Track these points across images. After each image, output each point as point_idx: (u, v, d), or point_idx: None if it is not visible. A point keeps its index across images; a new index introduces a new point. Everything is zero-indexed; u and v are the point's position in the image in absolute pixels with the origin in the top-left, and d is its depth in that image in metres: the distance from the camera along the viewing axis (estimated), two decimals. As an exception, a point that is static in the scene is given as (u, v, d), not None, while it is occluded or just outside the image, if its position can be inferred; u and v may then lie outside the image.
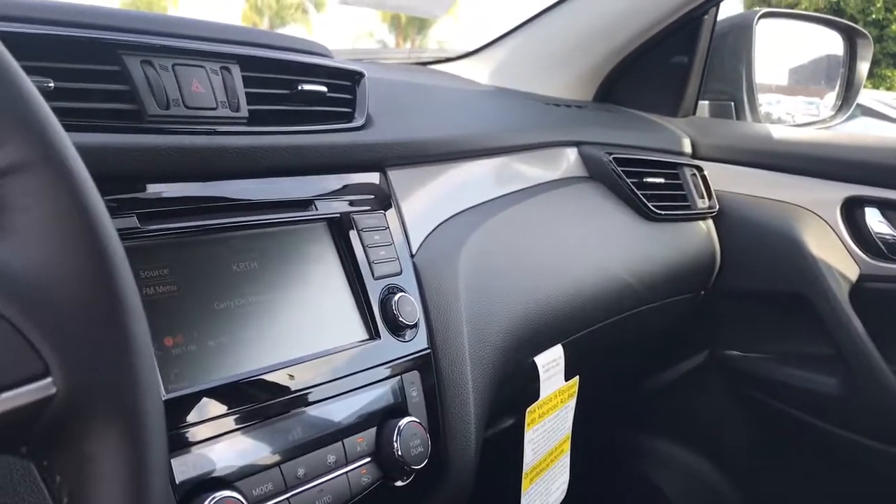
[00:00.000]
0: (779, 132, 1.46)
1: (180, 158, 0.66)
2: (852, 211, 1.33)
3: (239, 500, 0.59)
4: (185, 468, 0.58)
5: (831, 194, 1.34)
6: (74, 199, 0.34)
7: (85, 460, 0.33)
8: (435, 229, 0.92)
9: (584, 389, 1.13)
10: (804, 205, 1.35)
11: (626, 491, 1.52)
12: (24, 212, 0.33)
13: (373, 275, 0.79)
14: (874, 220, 1.32)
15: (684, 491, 1.47)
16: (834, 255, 1.31)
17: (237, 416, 0.63)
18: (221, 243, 0.68)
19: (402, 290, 0.80)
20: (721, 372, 1.44)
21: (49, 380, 0.33)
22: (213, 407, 0.62)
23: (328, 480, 0.68)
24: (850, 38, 1.74)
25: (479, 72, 1.50)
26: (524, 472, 1.02)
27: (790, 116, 2.08)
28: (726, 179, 1.41)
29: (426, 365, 0.80)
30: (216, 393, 0.62)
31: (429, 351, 0.81)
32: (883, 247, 1.30)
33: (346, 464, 0.70)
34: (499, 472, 1.05)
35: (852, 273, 1.31)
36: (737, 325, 1.42)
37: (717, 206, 1.38)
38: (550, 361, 1.04)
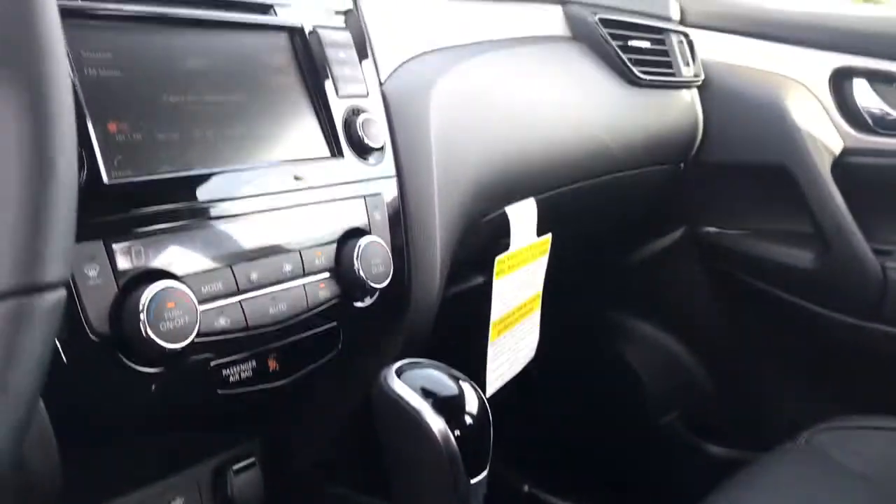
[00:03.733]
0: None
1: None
2: (840, 83, 1.29)
3: (186, 293, 0.56)
4: (127, 257, 0.56)
5: (820, 65, 1.30)
6: None
7: None
8: (405, 63, 0.88)
9: (557, 255, 1.11)
10: (792, 75, 1.31)
11: (594, 364, 1.52)
12: None
13: (336, 92, 0.75)
14: (862, 93, 1.28)
15: (652, 366, 1.47)
16: (819, 126, 1.28)
17: (186, 211, 0.60)
18: (172, 36, 0.64)
19: (367, 112, 0.76)
20: (697, 249, 1.43)
21: None
22: (160, 199, 0.59)
23: (283, 290, 0.65)
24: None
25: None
26: (492, 321, 1.00)
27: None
28: (714, 48, 1.37)
29: (391, 190, 0.77)
30: (164, 185, 0.59)
31: (394, 177, 0.78)
32: (869, 119, 1.28)
33: (304, 275, 0.67)
34: (468, 324, 1.03)
35: (836, 146, 1.28)
36: (716, 201, 1.40)
37: (703, 75, 1.34)
38: (522, 213, 1.02)
